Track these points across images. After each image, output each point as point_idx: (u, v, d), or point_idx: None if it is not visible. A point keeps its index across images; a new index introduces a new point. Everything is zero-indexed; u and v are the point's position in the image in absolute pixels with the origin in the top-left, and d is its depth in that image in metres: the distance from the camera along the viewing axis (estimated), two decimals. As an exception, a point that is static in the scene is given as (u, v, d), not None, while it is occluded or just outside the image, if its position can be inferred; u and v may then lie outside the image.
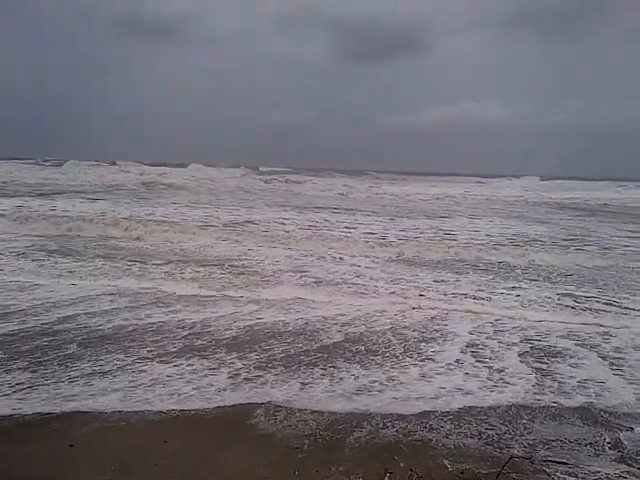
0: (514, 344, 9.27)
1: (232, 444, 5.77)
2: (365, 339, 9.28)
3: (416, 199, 45.62)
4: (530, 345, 9.26)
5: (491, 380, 7.70)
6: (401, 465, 5.39)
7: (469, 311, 11.21)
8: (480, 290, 13.02)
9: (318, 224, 23.97)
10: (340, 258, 16.52)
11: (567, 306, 11.86)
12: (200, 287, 12.32)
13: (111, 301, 10.89)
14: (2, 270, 13.15)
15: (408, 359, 8.40)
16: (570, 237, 23.09)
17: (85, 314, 9.89)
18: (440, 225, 25.76)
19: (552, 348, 9.15)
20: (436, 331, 9.85)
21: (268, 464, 5.36)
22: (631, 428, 6.47)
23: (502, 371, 8.04)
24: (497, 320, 10.64)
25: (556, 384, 7.63)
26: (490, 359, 8.53)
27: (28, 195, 31.79)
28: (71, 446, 5.42)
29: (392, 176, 62.13)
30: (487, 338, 9.56)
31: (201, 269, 14.21)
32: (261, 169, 60.64)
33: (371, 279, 13.88)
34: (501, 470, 4.23)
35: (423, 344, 9.11)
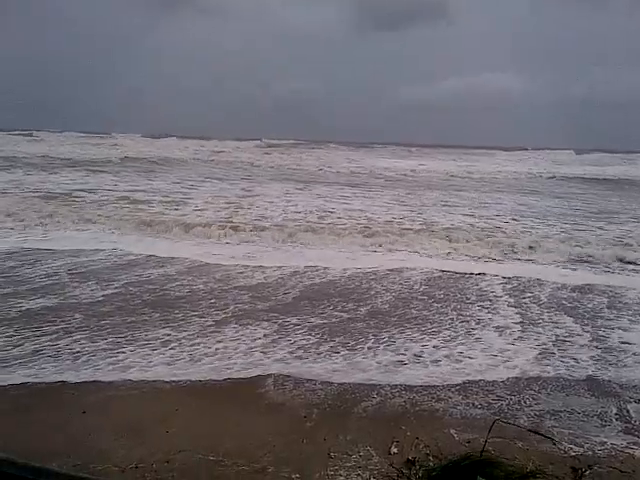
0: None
1: (242, 413, 5.87)
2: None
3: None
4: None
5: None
6: (408, 434, 5.45)
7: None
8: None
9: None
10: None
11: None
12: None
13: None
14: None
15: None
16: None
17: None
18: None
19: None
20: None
21: (277, 432, 5.44)
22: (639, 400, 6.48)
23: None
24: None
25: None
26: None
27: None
28: (84, 413, 5.54)
29: (409, 149, 59.59)
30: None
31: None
32: (265, 141, 59.45)
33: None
34: (487, 435, 4.30)
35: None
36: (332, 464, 4.91)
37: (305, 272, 11.66)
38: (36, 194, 20.59)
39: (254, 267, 11.92)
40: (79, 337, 7.60)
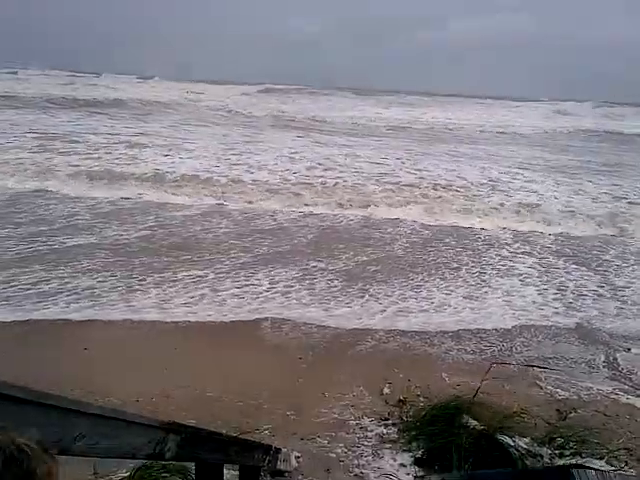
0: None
1: (239, 354, 6.02)
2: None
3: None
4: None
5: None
6: (400, 376, 5.62)
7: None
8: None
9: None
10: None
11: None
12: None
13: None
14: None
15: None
16: None
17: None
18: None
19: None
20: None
21: (273, 372, 5.62)
22: (629, 349, 6.64)
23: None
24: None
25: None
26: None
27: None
28: (85, 349, 5.69)
29: (420, 98, 56.37)
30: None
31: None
32: (268, 86, 57.16)
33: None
34: (484, 377, 4.44)
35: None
36: (326, 402, 5.10)
37: (304, 220, 11.71)
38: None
39: (255, 214, 11.94)
40: (81, 278, 7.70)
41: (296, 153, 18.37)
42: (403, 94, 60.47)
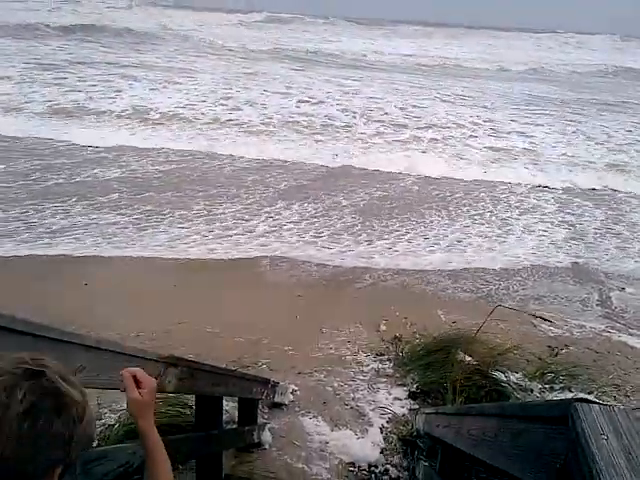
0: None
1: (239, 291, 6.07)
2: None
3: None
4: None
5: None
6: (397, 314, 5.70)
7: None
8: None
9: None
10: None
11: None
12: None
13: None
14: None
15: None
16: None
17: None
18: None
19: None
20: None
21: (272, 309, 5.68)
22: (623, 289, 6.71)
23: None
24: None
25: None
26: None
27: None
28: (86, 285, 5.73)
29: (426, 29, 52.67)
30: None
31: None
32: (267, 14, 54.15)
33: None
34: (487, 317, 4.49)
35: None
36: (323, 338, 5.19)
37: (293, 166, 11.54)
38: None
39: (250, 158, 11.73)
40: (80, 214, 7.66)
41: (291, 88, 17.90)
42: (409, 24, 57.89)
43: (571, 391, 4.23)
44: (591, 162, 12.47)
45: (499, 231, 8.30)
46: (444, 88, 21.18)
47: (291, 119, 14.34)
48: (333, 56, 29.97)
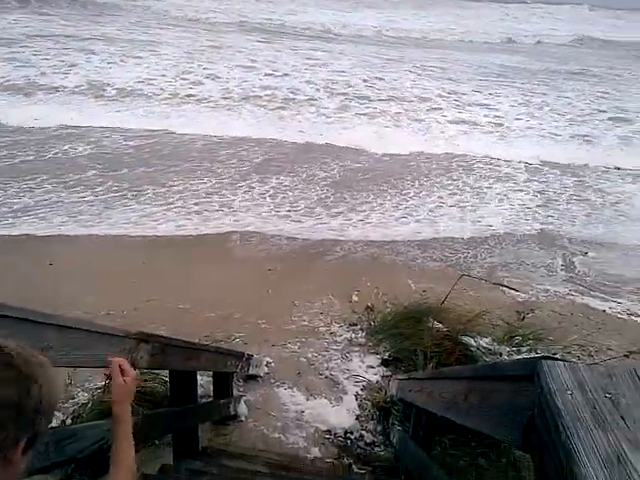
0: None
1: (209, 267, 6.02)
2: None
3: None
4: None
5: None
6: (368, 284, 5.76)
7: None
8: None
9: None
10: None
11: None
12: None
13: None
14: None
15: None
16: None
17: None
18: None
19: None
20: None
21: (243, 284, 5.66)
22: (585, 253, 6.92)
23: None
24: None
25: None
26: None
27: None
28: (51, 264, 5.60)
29: None
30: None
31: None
32: None
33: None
34: (452, 287, 4.57)
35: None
36: (296, 311, 5.22)
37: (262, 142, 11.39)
38: None
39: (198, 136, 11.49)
40: (43, 193, 7.44)
41: (255, 62, 17.52)
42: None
43: (537, 353, 4.37)
44: (556, 134, 12.61)
45: (466, 202, 8.40)
46: (411, 60, 21.06)
47: (253, 93, 13.96)
48: (300, 28, 29.38)
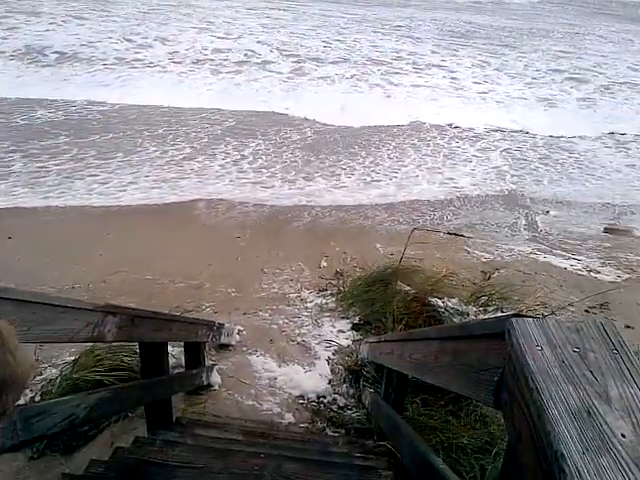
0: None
1: (176, 236, 5.93)
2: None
3: None
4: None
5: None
6: (337, 249, 5.78)
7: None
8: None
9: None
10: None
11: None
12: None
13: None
14: None
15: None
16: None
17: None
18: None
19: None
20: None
21: (211, 252, 5.60)
22: (547, 212, 7.08)
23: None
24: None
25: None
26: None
27: None
28: (10, 239, 5.41)
29: None
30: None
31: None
32: None
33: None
34: (407, 242, 4.61)
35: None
36: (266, 278, 5.20)
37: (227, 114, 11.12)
38: None
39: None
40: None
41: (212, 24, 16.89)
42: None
43: (503, 312, 4.48)
44: (517, 97, 12.55)
45: (428, 167, 8.41)
46: (375, 20, 20.70)
47: (204, 57, 13.33)
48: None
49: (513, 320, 0.96)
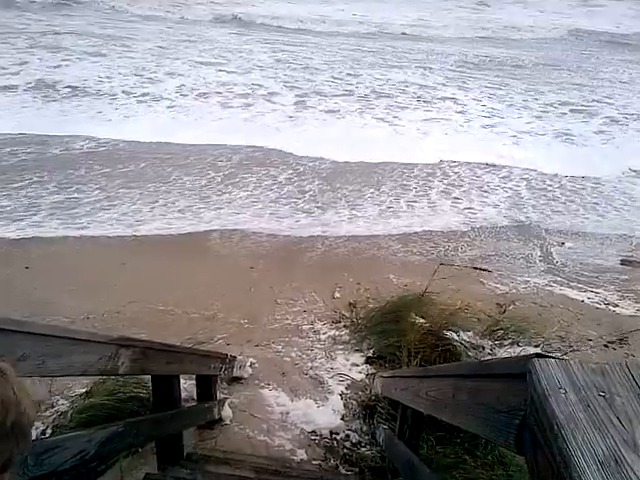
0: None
1: (190, 266, 5.94)
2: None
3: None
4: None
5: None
6: (350, 280, 5.75)
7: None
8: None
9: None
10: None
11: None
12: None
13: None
14: None
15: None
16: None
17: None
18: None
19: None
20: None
21: (225, 283, 5.61)
22: (562, 243, 7.00)
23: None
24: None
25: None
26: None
27: None
28: (27, 268, 5.47)
29: None
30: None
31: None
32: None
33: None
34: (432, 277, 4.58)
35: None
36: (279, 309, 5.18)
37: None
38: None
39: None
40: (15, 194, 7.26)
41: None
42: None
43: (519, 345, 4.41)
44: (529, 131, 12.37)
45: (440, 199, 8.34)
46: (393, 53, 21.01)
47: (211, 91, 13.28)
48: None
49: (535, 361, 0.94)
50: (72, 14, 23.38)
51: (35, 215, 6.73)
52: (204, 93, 13.26)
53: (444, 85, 15.88)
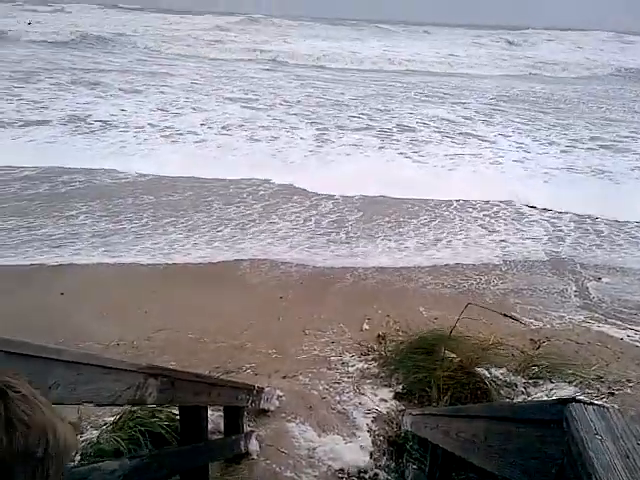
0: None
1: (219, 295, 5.99)
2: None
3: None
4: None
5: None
6: (379, 312, 5.69)
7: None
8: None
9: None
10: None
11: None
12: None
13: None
14: None
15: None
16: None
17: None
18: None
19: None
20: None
21: (254, 312, 5.62)
22: (599, 278, 6.80)
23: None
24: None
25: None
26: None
27: None
28: (62, 294, 5.59)
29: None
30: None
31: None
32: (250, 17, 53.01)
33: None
34: (459, 316, 4.48)
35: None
36: (307, 340, 5.14)
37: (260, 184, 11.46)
38: None
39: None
40: (56, 222, 7.50)
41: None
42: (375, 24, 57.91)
43: (552, 382, 4.26)
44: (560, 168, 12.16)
45: (472, 233, 8.23)
46: (425, 86, 21.20)
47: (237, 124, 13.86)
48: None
49: (572, 407, 0.90)
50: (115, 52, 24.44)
51: (74, 244, 6.92)
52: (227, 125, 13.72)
53: (477, 120, 15.93)
